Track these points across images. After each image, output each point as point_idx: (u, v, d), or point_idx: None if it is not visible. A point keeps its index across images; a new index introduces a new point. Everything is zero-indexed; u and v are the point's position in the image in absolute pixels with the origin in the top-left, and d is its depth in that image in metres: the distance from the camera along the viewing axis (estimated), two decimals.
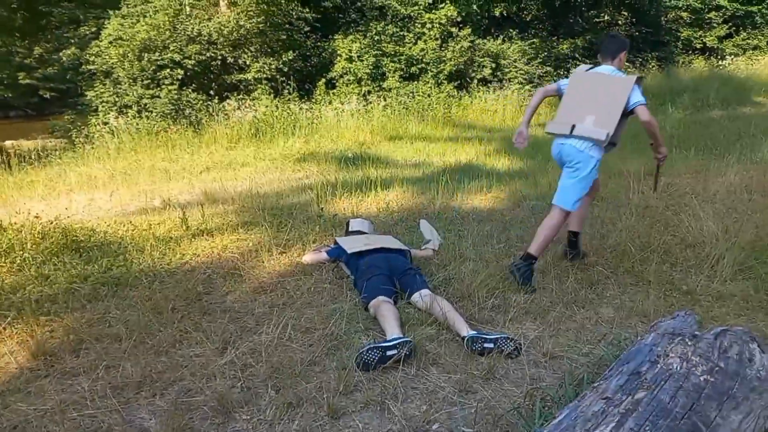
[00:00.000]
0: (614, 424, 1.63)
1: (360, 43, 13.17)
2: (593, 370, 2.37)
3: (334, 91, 13.17)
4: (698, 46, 17.87)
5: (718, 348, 1.98)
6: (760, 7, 17.91)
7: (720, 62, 16.66)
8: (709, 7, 17.56)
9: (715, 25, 17.84)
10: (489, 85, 13.93)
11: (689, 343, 2.01)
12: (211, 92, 11.42)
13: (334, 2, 14.65)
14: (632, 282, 3.45)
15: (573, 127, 3.33)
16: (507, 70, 14.19)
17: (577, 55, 15.54)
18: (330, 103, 12.20)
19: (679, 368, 1.88)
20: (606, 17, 17.23)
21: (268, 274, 3.57)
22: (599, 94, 3.34)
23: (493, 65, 14.00)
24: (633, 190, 5.43)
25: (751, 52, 17.54)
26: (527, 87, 13.90)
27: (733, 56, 17.16)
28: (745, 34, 18.14)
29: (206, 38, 11.81)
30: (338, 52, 13.31)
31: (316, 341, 2.72)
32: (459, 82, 13.92)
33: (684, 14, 17.56)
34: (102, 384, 2.33)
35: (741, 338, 2.06)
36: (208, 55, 11.90)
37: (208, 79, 12.18)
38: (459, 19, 13.88)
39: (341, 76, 13.23)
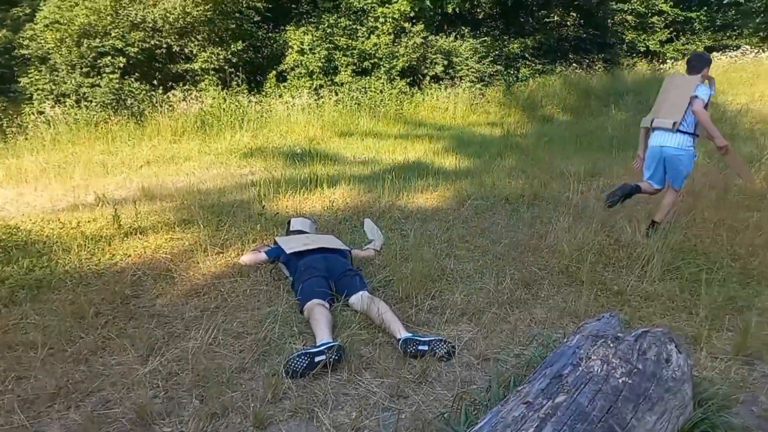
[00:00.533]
0: (533, 430, 1.65)
1: (312, 35, 12.99)
2: (522, 372, 2.40)
3: (285, 84, 12.96)
4: (642, 49, 18.51)
5: (638, 350, 2.03)
6: (699, 13, 18.73)
7: (661, 66, 17.32)
8: (653, 12, 18.20)
9: (657, 29, 18.52)
10: (441, 82, 14.01)
11: (611, 345, 2.05)
12: (155, 82, 11.01)
13: None
14: (566, 282, 3.53)
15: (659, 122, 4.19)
16: (459, 67, 14.30)
17: (527, 55, 15.83)
18: (280, 96, 12.00)
19: (599, 371, 1.92)
20: (556, 18, 17.61)
21: (202, 276, 3.45)
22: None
23: (446, 62, 14.08)
24: (573, 190, 5.56)
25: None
26: (478, 85, 14.07)
27: (673, 60, 17.86)
28: (684, 39, 18.92)
29: (151, 25, 11.36)
30: (290, 43, 13.08)
31: (246, 347, 2.65)
32: (411, 78, 13.94)
33: (629, 18, 18.15)
34: (10, 397, 2.19)
35: (660, 339, 2.12)
36: (152, 42, 11.46)
37: (152, 68, 11.73)
38: (412, 15, 13.88)
39: (292, 69, 13.03)
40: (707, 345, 2.69)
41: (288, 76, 13.06)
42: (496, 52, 15.04)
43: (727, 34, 19.55)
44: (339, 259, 3.45)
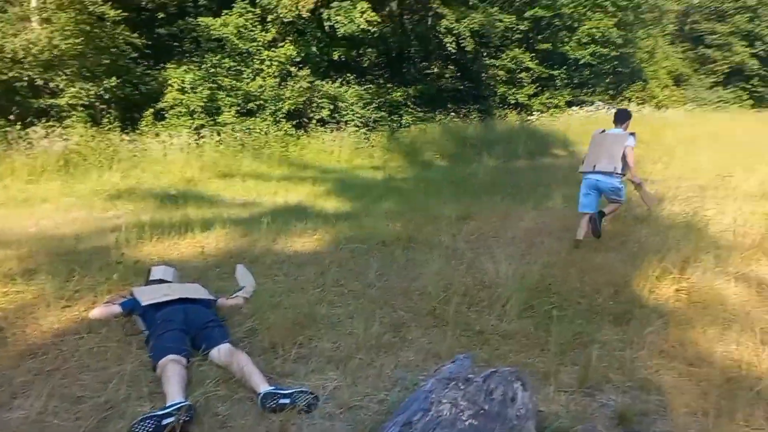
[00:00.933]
0: None
1: (194, 74, 12.69)
2: (382, 419, 2.39)
3: (164, 122, 12.44)
4: (512, 101, 20.21)
5: (486, 390, 2.11)
6: (560, 71, 20.93)
7: (529, 117, 19.01)
8: (521, 68, 20.03)
9: (525, 84, 20.36)
10: (327, 125, 14.25)
11: (461, 388, 2.12)
12: (11, 117, 10.03)
13: (168, 30, 14.00)
14: (433, 324, 3.62)
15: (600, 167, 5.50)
16: (344, 112, 14.66)
17: (409, 103, 16.61)
18: (157, 135, 11.47)
19: (448, 414, 1.96)
20: (435, 70, 18.76)
21: (41, 334, 3.10)
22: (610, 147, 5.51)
23: (332, 107, 14.37)
24: (445, 233, 5.81)
25: (553, 110, 20.31)
26: (363, 130, 14.48)
27: (539, 113, 19.69)
28: (548, 93, 20.98)
29: (10, 56, 10.46)
30: (170, 81, 12.65)
31: (85, 413, 2.39)
32: (298, 121, 14.03)
33: (500, 72, 19.78)
34: None
35: (506, 379, 2.22)
36: (10, 75, 10.53)
37: (9, 102, 10.72)
38: (299, 59, 14.09)
39: (172, 108, 12.56)
40: (556, 380, 2.86)
41: (167, 115, 12.57)
42: (381, 99, 15.63)
43: (584, 91, 21.99)
44: (201, 310, 3.28)
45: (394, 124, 15.69)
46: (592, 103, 20.71)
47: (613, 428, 2.47)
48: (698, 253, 4.62)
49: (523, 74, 20.21)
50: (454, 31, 16.26)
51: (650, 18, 23.93)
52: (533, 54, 20.13)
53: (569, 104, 20.90)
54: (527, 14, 19.43)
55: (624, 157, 5.34)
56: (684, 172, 10.11)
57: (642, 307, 3.84)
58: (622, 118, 5.69)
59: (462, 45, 16.47)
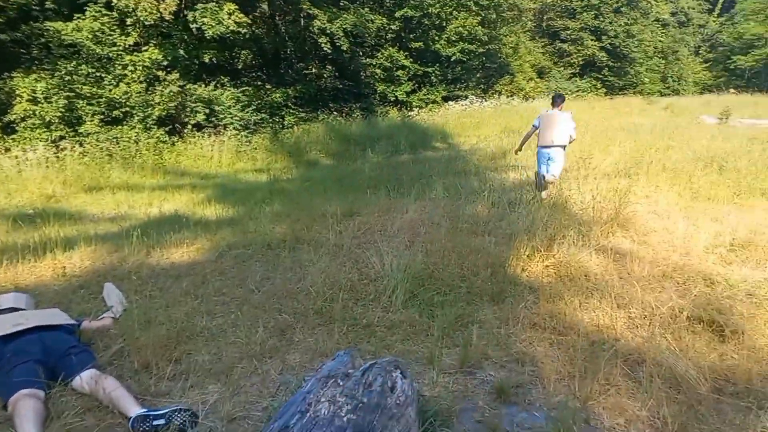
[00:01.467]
0: None
1: (47, 82, 11.51)
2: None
3: (15, 136, 11.18)
4: (392, 99, 20.68)
5: (364, 384, 2.10)
6: (434, 68, 21.74)
7: (409, 113, 19.55)
8: (397, 67, 20.54)
9: (402, 81, 20.92)
10: (204, 130, 13.62)
11: (340, 384, 2.09)
12: None
13: (11, 36, 12.57)
14: (320, 322, 3.57)
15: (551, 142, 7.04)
16: (222, 116, 14.10)
17: (290, 104, 16.39)
18: (8, 150, 10.28)
19: (326, 413, 1.92)
20: (314, 70, 18.67)
21: None
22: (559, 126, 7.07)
23: (207, 111, 13.76)
24: (332, 230, 5.78)
25: (431, 105, 21.07)
26: (243, 133, 14.04)
27: (418, 108, 20.34)
28: (425, 90, 21.73)
29: None
30: (18, 92, 11.37)
31: None
32: (171, 127, 13.27)
33: (378, 71, 20.15)
34: None
35: (385, 369, 2.23)
36: None
37: None
38: (165, 63, 13.31)
39: (23, 120, 11.31)
40: (438, 363, 2.94)
41: (18, 128, 11.30)
42: (260, 101, 15.25)
43: (457, 86, 23.03)
44: (61, 337, 2.96)
45: (277, 126, 15.41)
46: (466, 97, 21.78)
47: (492, 402, 2.58)
48: (563, 230, 4.99)
49: (400, 72, 20.74)
50: (328, 32, 16.30)
51: (510, 16, 25.59)
52: (407, 52, 20.75)
53: (445, 99, 21.80)
54: (397, 14, 19.97)
55: (569, 138, 7.13)
56: None
57: (515, 285, 4.08)
58: (558, 101, 7.28)
59: (337, 45, 16.55)
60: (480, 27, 21.79)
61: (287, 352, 3.18)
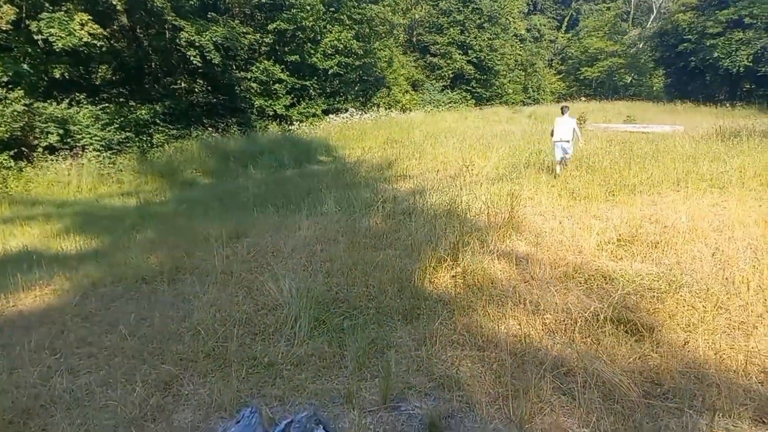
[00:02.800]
0: None
1: None
2: None
3: None
4: (271, 113, 20.02)
5: None
6: (312, 82, 21.43)
7: (290, 127, 19.04)
8: (273, 80, 19.93)
9: (280, 95, 20.34)
10: (58, 153, 12.07)
11: None
12: None
13: None
14: (213, 367, 3.06)
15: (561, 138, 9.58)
16: (79, 136, 12.61)
17: (158, 121, 15.14)
18: None
19: None
20: (183, 84, 17.49)
21: None
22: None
23: (61, 131, 12.22)
24: (218, 255, 5.19)
25: (311, 119, 20.71)
26: (106, 154, 12.68)
27: (298, 122, 19.89)
28: (305, 103, 21.33)
29: None
30: None
31: None
32: (16, 150, 11.58)
33: (254, 85, 19.40)
34: None
35: (306, 427, 1.84)
36: None
37: None
38: (6, 79, 11.62)
39: None
40: (359, 400, 2.59)
41: None
42: (123, 119, 13.88)
43: (337, 99, 22.92)
44: None
45: (144, 145, 14.13)
46: (347, 110, 21.73)
47: None
48: (464, 237, 4.89)
49: (277, 86, 20.15)
50: (197, 44, 15.37)
51: (383, 30, 26.10)
52: (283, 66, 20.24)
53: (326, 112, 21.57)
54: (270, 27, 19.44)
55: (574, 132, 9.66)
56: (434, 165, 11.06)
57: (426, 300, 3.85)
58: (565, 110, 9.98)
59: (208, 58, 15.66)
60: (355, 41, 21.91)
61: (175, 411, 2.64)
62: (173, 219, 7.46)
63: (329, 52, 21.43)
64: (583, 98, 38.08)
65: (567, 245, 5.09)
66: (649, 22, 45.35)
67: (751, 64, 33.09)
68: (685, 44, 35.80)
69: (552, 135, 10.01)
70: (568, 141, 9.68)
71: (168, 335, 3.46)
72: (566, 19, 47.60)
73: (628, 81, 42.79)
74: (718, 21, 33.86)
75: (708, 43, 34.23)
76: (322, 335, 3.36)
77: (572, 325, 3.17)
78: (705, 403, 2.40)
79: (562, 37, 46.63)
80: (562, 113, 10.03)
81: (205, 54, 15.46)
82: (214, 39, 15.69)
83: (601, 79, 42.04)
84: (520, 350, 2.99)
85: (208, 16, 17.02)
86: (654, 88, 43.59)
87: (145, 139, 14.31)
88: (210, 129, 16.57)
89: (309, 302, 3.65)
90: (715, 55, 33.91)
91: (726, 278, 3.81)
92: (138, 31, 16.30)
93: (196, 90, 17.51)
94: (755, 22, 32.75)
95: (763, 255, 4.24)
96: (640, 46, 43.26)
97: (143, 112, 14.54)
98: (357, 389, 2.68)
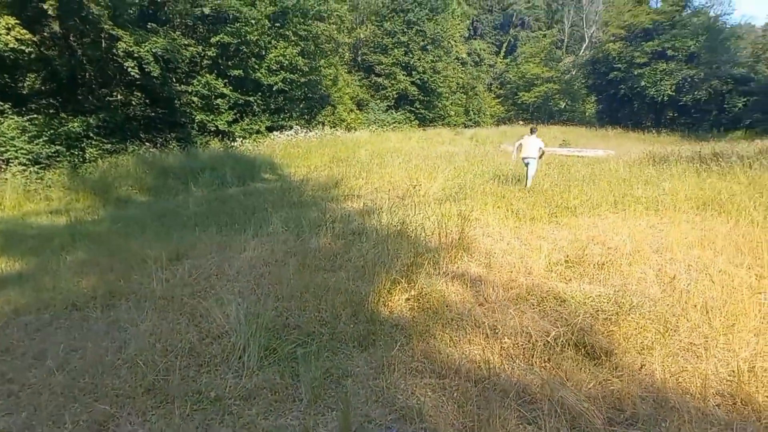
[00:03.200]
0: None
1: None
2: None
3: None
4: (212, 128, 19.46)
5: None
6: (256, 97, 21.06)
7: (232, 143, 18.56)
8: (216, 95, 19.43)
9: (223, 110, 19.83)
10: None
11: None
12: None
13: None
14: (154, 403, 2.81)
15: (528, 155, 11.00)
16: (3, 148, 11.76)
17: (91, 134, 14.36)
18: None
19: None
20: (120, 97, 16.73)
21: None
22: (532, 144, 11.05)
23: None
24: (156, 279, 4.88)
25: (255, 135, 20.30)
26: (33, 168, 11.87)
27: (241, 138, 19.44)
28: (248, 119, 20.90)
29: None
30: None
31: None
32: None
33: (195, 99, 18.83)
34: None
35: None
36: None
37: None
38: None
39: None
40: None
41: None
42: (52, 131, 13.07)
43: (281, 116, 22.63)
44: None
45: (76, 159, 13.34)
46: (291, 127, 21.47)
47: None
48: (417, 258, 4.83)
49: (219, 100, 19.66)
50: (135, 55, 14.78)
51: (329, 48, 26.12)
52: (226, 80, 19.79)
53: (270, 129, 21.23)
54: (213, 40, 19.01)
55: (540, 151, 11.08)
56: (382, 184, 11.02)
57: (381, 324, 3.73)
58: (534, 131, 11.37)
59: (147, 70, 15.08)
60: (300, 57, 21.77)
61: None
62: (107, 239, 7.01)
63: (274, 67, 21.18)
64: (521, 122, 39.50)
65: (517, 267, 5.12)
66: (582, 50, 47.81)
67: (673, 93, 35.50)
68: (615, 72, 37.94)
69: (518, 151, 11.29)
70: (534, 158, 10.93)
71: (102, 368, 3.17)
72: (504, 45, 49.42)
73: (563, 106, 44.80)
74: (644, 52, 36.17)
75: (636, 73, 36.43)
76: (273, 365, 3.17)
77: (531, 350, 3.14)
78: (668, 429, 2.41)
79: (501, 62, 48.32)
80: (531, 133, 11.33)
81: (144, 65, 14.89)
82: (153, 50, 15.15)
83: (538, 103, 43.80)
84: (482, 377, 2.92)
85: (148, 26, 16.45)
86: (587, 114, 45.81)
87: (76, 153, 13.52)
88: (147, 144, 15.88)
89: (258, 329, 3.45)
90: (642, 84, 36.12)
91: (672, 300, 3.92)
92: (71, 38, 15.48)
93: (134, 103, 16.78)
94: (677, 54, 35.23)
95: (703, 276, 4.41)
96: (574, 73, 45.51)
97: (75, 124, 13.74)
98: (314, 424, 2.52)
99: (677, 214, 7.32)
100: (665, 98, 35.93)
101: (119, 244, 6.55)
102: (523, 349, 3.20)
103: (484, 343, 3.29)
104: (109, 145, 14.61)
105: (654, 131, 33.48)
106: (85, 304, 4.45)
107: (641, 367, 2.93)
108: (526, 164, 11.02)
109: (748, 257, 4.99)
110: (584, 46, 48.03)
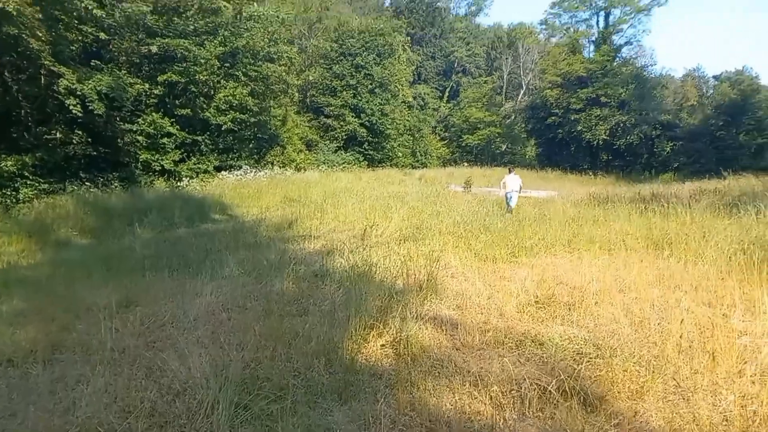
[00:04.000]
0: None
1: None
2: None
3: None
4: (157, 168, 18.83)
5: None
6: (204, 137, 20.64)
7: (179, 183, 17.99)
8: (162, 134, 18.88)
9: (169, 149, 19.26)
10: None
11: None
12: None
13: None
14: None
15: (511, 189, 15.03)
16: None
17: (26, 173, 13.56)
18: None
19: None
20: (59, 135, 15.94)
21: None
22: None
23: None
24: (106, 328, 4.49)
25: (202, 175, 19.78)
26: None
27: (188, 178, 18.88)
28: (195, 159, 20.38)
29: None
30: None
31: None
32: None
33: (140, 138, 18.21)
34: None
35: None
36: None
37: None
38: None
39: None
40: None
41: None
42: None
43: (230, 155, 22.23)
44: None
45: (9, 200, 12.51)
46: (240, 167, 21.10)
47: None
48: (388, 302, 4.68)
49: (165, 140, 19.09)
50: (78, 93, 14.23)
51: (278, 89, 26.14)
52: (173, 119, 19.32)
53: (218, 169, 20.79)
54: (160, 79, 18.62)
55: (519, 186, 14.72)
56: (337, 225, 10.86)
57: (358, 373, 3.53)
58: (512, 170, 15.45)
59: (90, 108, 14.53)
60: (250, 97, 21.62)
61: None
62: (47, 285, 6.48)
63: (223, 107, 20.91)
64: (466, 164, 40.58)
65: (488, 308, 5.05)
66: (520, 96, 50.11)
67: (608, 137, 37.60)
68: (553, 117, 39.90)
69: (504, 187, 14.84)
70: (516, 191, 14.47)
71: None
72: (447, 90, 51.15)
73: (504, 149, 46.48)
74: (579, 98, 38.31)
75: (572, 118, 38.45)
76: (246, 424, 2.90)
77: (520, 399, 3.02)
78: None
79: (444, 106, 49.88)
80: (510, 172, 15.33)
81: (87, 103, 14.34)
82: (98, 88, 14.64)
83: (481, 146, 45.24)
84: (475, 429, 2.77)
85: (92, 63, 15.93)
86: (527, 156, 47.66)
87: (9, 193, 12.70)
88: (88, 184, 15.15)
89: (226, 383, 3.18)
90: (579, 128, 38.11)
91: (649, 341, 3.93)
92: (6, 74, 14.76)
93: (74, 141, 15.99)
94: (609, 101, 37.52)
95: (671, 315, 4.48)
96: (514, 117, 47.52)
97: (9, 163, 12.95)
98: None
99: (630, 253, 7.53)
100: (600, 142, 37.98)
101: (61, 291, 6.06)
102: (513, 397, 3.08)
103: (472, 391, 3.15)
104: (46, 185, 13.84)
105: (591, 173, 35.15)
106: (24, 359, 4.01)
107: (635, 415, 2.87)
108: (509, 198, 14.41)
109: (707, 295, 5.13)
110: (522, 92, 50.37)
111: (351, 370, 3.54)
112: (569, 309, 4.92)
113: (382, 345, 3.98)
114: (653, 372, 3.27)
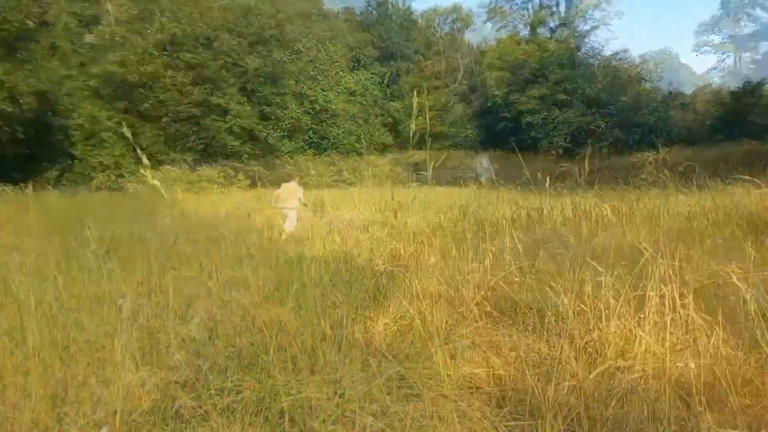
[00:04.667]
0: None
1: None
2: None
3: None
4: (95, 163, 17.75)
5: None
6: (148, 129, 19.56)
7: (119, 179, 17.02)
8: (102, 128, 17.75)
9: (108, 145, 18.18)
10: None
11: None
12: None
13: None
14: None
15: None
16: None
17: None
18: None
19: None
20: None
21: None
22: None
23: None
24: None
25: (147, 169, 18.81)
26: None
27: (130, 174, 17.94)
28: (137, 153, 19.33)
29: None
30: None
31: None
32: None
33: (77, 132, 17.07)
34: None
35: None
36: None
37: None
38: None
39: None
40: None
41: None
42: None
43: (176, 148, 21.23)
44: None
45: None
46: (185, 160, 20.35)
47: None
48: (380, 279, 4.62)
49: (105, 133, 18.02)
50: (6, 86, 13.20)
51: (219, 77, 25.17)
52: (112, 111, 18.29)
53: (160, 163, 19.95)
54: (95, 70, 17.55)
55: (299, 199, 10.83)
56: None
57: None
58: (291, 181, 11.22)
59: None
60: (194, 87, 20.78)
61: None
62: None
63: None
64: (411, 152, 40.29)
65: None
66: (458, 79, 50.51)
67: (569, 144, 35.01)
68: (503, 123, 38.89)
69: (276, 201, 10.78)
70: (293, 208, 10.59)
71: None
72: (387, 75, 50.97)
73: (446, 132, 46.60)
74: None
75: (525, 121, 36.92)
76: None
77: (554, 362, 2.98)
78: None
79: (381, 92, 49.25)
80: (290, 181, 11.86)
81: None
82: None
83: (423, 132, 44.97)
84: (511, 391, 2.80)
85: (18, 54, 14.78)
86: (469, 138, 48.04)
87: None
88: (21, 183, 14.11)
89: None
90: (533, 134, 36.47)
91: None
92: None
93: (2, 139, 14.80)
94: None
95: None
96: (452, 103, 47.76)
97: None
98: None
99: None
100: (561, 151, 35.13)
101: None
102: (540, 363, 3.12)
103: (491, 361, 3.17)
104: None
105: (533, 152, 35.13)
106: None
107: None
108: (286, 217, 10.42)
109: None
110: (459, 75, 50.71)
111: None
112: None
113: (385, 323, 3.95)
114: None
